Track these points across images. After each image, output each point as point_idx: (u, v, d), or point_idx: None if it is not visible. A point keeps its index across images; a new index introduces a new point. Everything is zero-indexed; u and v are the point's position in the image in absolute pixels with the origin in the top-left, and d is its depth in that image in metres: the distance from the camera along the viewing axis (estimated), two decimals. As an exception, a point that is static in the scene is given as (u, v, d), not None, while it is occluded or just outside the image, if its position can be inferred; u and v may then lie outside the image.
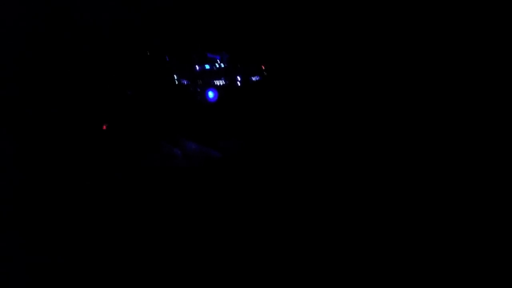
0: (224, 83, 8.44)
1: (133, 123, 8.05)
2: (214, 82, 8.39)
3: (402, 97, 5.77)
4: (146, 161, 7.23)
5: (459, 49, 5.69)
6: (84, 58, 7.82)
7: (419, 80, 6.05)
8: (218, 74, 8.48)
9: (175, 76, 8.17)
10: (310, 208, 5.22)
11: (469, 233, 4.30)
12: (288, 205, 5.47)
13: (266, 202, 5.91)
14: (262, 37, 8.14)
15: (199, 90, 8.40)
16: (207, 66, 8.45)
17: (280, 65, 8.30)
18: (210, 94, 8.31)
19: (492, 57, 5.37)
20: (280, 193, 6.01)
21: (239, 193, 6.50)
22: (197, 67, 8.44)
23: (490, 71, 5.38)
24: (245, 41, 8.24)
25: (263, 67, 8.46)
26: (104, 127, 7.93)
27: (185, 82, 8.22)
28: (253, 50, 8.31)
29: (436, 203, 4.82)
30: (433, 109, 5.76)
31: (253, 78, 8.44)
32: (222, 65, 8.49)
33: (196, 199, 6.43)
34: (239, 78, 8.45)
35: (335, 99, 7.57)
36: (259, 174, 6.75)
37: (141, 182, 6.80)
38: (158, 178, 6.90)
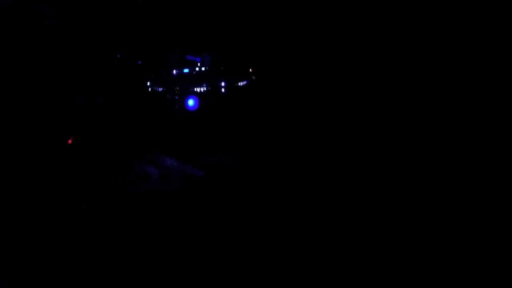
0: (206, 89, 7.35)
1: (101, 137, 6.89)
2: (195, 89, 7.28)
3: (396, 96, 5.95)
4: (116, 184, 6.06)
5: (459, 49, 5.84)
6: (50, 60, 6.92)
7: (406, 78, 6.17)
8: (199, 79, 7.41)
9: (148, 82, 7.06)
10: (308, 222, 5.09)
11: (468, 232, 4.32)
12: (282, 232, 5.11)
13: (256, 234, 5.29)
14: (250, 36, 7.10)
15: (177, 98, 7.27)
16: (186, 70, 7.34)
17: (271, 68, 7.26)
18: (190, 102, 7.25)
19: (492, 57, 5.46)
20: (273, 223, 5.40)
21: (224, 220, 5.39)
22: (174, 72, 7.33)
23: (490, 71, 5.47)
24: (230, 41, 7.18)
25: (251, 71, 7.39)
26: (70, 141, 6.77)
27: (161, 89, 7.11)
28: (240, 51, 7.25)
29: (436, 202, 4.86)
30: (431, 108, 5.86)
31: (240, 83, 7.36)
32: (203, 69, 7.39)
33: (174, 227, 5.29)
34: (223, 83, 7.37)
35: (331, 103, 6.58)
36: (248, 197, 5.66)
37: (111, 210, 5.63)
38: (131, 205, 5.73)
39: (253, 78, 7.28)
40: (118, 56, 7.30)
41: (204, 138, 7.09)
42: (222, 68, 7.32)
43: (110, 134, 6.98)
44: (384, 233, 4.68)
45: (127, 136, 6.77)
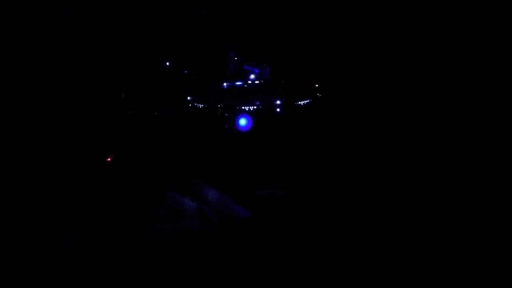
0: (261, 106, 6.06)
1: (135, 157, 5.80)
2: (248, 105, 6.02)
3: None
4: (144, 223, 4.86)
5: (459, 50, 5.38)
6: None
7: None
8: (254, 94, 6.12)
9: (189, 96, 5.87)
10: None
11: (468, 232, 4.13)
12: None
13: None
14: (319, 46, 5.76)
15: (226, 115, 6.04)
16: (239, 83, 6.10)
17: (341, 84, 5.87)
18: (242, 122, 5.93)
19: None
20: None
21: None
22: (225, 84, 6.13)
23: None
24: (295, 51, 5.87)
25: (317, 86, 6.03)
26: (109, 159, 5.79)
27: (205, 105, 5.92)
28: (304, 63, 5.92)
29: (436, 202, 4.65)
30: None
31: (302, 102, 6.01)
32: (258, 82, 6.14)
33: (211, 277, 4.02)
34: (282, 100, 6.06)
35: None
36: (309, 255, 4.26)
37: (137, 254, 4.42)
38: (160, 249, 4.50)
39: (318, 95, 5.90)
40: (167, 64, 6.18)
41: (255, 166, 5.77)
42: (282, 81, 6.00)
43: (145, 153, 5.87)
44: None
45: (160, 161, 5.60)
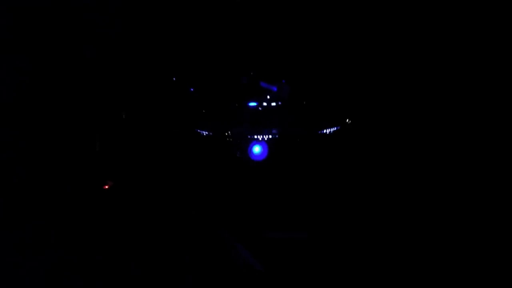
0: (278, 131, 5.14)
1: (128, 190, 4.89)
2: (263, 130, 5.10)
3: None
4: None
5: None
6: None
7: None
8: (270, 116, 5.20)
9: (193, 119, 4.92)
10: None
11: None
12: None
13: None
14: (351, 60, 4.86)
15: (238, 141, 5.12)
16: (253, 104, 5.18)
17: (378, 108, 4.94)
18: (256, 149, 4.98)
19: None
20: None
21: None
22: (236, 104, 5.21)
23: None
24: (319, 65, 4.97)
25: (347, 110, 5.10)
26: (107, 186, 4.98)
27: (211, 131, 4.97)
28: (332, 80, 5.01)
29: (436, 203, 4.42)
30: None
31: (328, 130, 5.08)
32: (274, 104, 5.22)
33: None
34: (303, 127, 5.13)
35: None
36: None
37: None
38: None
39: (348, 122, 4.98)
40: (174, 79, 5.32)
41: (269, 202, 4.79)
42: (304, 103, 5.09)
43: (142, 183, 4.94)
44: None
45: (160, 193, 4.67)
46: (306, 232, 4.58)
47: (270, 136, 4.97)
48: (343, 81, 4.97)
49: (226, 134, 5.03)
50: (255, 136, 4.95)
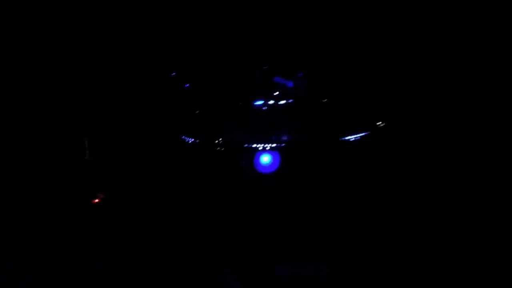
0: (291, 138, 4.07)
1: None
2: (272, 136, 4.12)
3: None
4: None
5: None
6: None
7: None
8: (282, 118, 4.17)
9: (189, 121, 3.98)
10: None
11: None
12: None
13: None
14: (383, 50, 3.87)
15: (242, 149, 4.05)
16: (259, 102, 4.18)
17: (417, 108, 3.93)
18: (264, 159, 4.01)
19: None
20: None
21: None
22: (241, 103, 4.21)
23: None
24: (345, 55, 3.96)
25: (379, 111, 4.06)
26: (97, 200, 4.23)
27: (211, 136, 3.99)
28: (361, 74, 3.98)
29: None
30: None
31: (353, 136, 4.03)
32: (287, 102, 4.21)
33: None
34: (323, 131, 4.12)
35: None
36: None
37: None
38: None
39: (380, 126, 3.99)
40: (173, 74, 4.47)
41: (281, 227, 3.92)
42: (325, 100, 4.10)
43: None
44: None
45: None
46: (327, 267, 3.64)
47: (287, 139, 4.10)
48: (376, 72, 3.98)
49: (227, 140, 4.09)
50: (263, 143, 4.01)
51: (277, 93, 4.14)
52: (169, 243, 3.90)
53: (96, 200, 4.20)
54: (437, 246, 3.76)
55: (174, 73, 4.49)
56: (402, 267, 3.71)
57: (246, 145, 4.05)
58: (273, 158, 4.04)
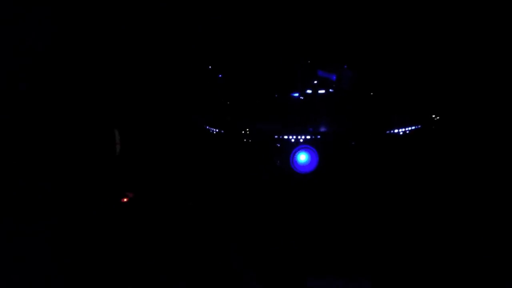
0: (331, 132, 3.76)
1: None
2: (310, 132, 3.74)
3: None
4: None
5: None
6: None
7: None
8: (323, 112, 3.78)
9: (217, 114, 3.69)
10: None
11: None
12: None
13: None
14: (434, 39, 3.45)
15: (278, 145, 3.77)
16: (296, 94, 3.83)
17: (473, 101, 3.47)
18: (302, 158, 3.68)
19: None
20: None
21: None
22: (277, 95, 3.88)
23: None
24: (393, 46, 3.55)
25: (432, 104, 3.61)
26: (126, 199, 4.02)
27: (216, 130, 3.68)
28: (411, 65, 3.56)
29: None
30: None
31: (402, 129, 3.59)
32: (330, 94, 3.85)
33: None
34: (371, 125, 3.72)
35: None
36: None
37: None
38: None
39: (434, 119, 3.55)
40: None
41: (319, 234, 3.57)
42: (371, 94, 3.70)
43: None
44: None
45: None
46: (370, 280, 3.25)
47: (326, 134, 3.80)
48: (426, 63, 3.55)
49: (263, 136, 3.78)
50: (301, 140, 3.66)
51: (317, 85, 3.79)
52: (195, 248, 3.62)
53: (125, 199, 4.01)
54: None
55: (210, 67, 4.22)
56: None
57: (281, 139, 3.71)
58: (311, 156, 3.67)
